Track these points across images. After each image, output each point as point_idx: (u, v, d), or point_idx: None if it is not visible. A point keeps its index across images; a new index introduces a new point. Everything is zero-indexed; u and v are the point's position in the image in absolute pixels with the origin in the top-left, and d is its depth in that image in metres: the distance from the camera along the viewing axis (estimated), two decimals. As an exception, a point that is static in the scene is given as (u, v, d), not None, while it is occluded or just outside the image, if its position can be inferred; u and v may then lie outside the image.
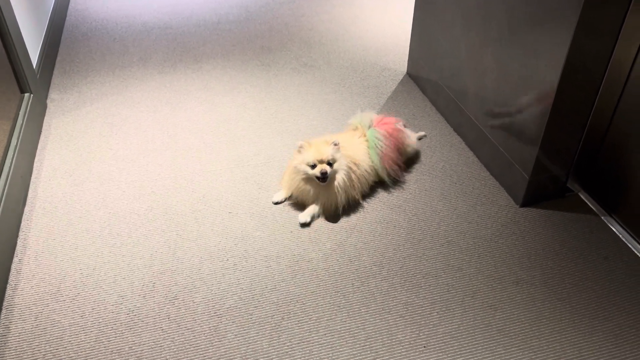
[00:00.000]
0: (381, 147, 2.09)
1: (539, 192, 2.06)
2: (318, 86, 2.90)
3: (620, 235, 1.93)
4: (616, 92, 1.85)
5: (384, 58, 3.17)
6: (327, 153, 1.89)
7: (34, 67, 2.67)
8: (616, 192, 1.97)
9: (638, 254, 1.85)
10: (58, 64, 3.11)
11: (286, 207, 2.08)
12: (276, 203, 2.04)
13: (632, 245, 1.88)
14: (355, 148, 2.08)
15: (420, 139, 2.43)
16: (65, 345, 1.57)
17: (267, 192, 2.16)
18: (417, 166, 2.30)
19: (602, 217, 2.01)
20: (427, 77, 2.75)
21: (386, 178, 2.13)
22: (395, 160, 2.14)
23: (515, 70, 1.96)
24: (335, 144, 1.92)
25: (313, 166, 1.92)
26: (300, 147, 1.92)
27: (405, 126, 2.32)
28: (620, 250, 1.88)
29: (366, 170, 2.07)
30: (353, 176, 2.00)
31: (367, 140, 2.12)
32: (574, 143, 1.97)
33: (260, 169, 2.29)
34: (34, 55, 2.75)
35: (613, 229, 1.96)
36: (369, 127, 2.15)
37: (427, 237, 1.95)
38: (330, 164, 1.92)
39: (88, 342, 1.58)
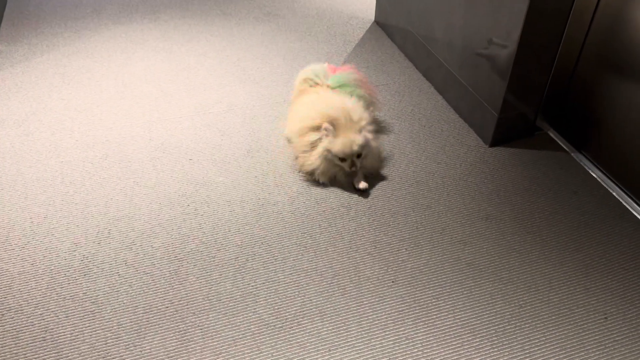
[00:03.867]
0: (355, 78, 2.02)
1: (508, 130, 2.02)
2: (282, 35, 2.79)
3: (590, 171, 1.90)
4: (584, 27, 1.80)
5: (351, 6, 3.07)
6: (356, 146, 1.73)
7: (-23, 16, 2.50)
8: (585, 129, 1.94)
9: (607, 187, 1.84)
10: (6, 17, 2.92)
11: (252, 154, 1.99)
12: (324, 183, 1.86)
13: (601, 179, 1.86)
14: (337, 98, 1.91)
15: None
16: (14, 294, 1.48)
17: (230, 138, 2.06)
18: (385, 111, 2.23)
19: (572, 154, 1.98)
20: (395, 24, 2.67)
21: (372, 105, 2.06)
22: (370, 86, 2.08)
23: (483, 5, 1.89)
24: (362, 126, 1.75)
25: (342, 159, 1.78)
26: (326, 129, 1.75)
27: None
28: (590, 185, 1.85)
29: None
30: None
31: (335, 87, 2.01)
32: (543, 80, 1.92)
33: (222, 117, 2.19)
34: (-23, 4, 2.58)
35: (582, 164, 1.93)
36: (326, 76, 2.05)
37: (396, 178, 1.89)
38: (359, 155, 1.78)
39: (39, 290, 1.49)
